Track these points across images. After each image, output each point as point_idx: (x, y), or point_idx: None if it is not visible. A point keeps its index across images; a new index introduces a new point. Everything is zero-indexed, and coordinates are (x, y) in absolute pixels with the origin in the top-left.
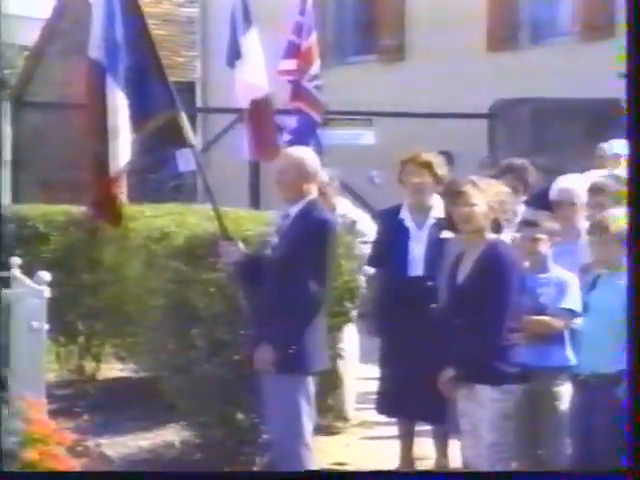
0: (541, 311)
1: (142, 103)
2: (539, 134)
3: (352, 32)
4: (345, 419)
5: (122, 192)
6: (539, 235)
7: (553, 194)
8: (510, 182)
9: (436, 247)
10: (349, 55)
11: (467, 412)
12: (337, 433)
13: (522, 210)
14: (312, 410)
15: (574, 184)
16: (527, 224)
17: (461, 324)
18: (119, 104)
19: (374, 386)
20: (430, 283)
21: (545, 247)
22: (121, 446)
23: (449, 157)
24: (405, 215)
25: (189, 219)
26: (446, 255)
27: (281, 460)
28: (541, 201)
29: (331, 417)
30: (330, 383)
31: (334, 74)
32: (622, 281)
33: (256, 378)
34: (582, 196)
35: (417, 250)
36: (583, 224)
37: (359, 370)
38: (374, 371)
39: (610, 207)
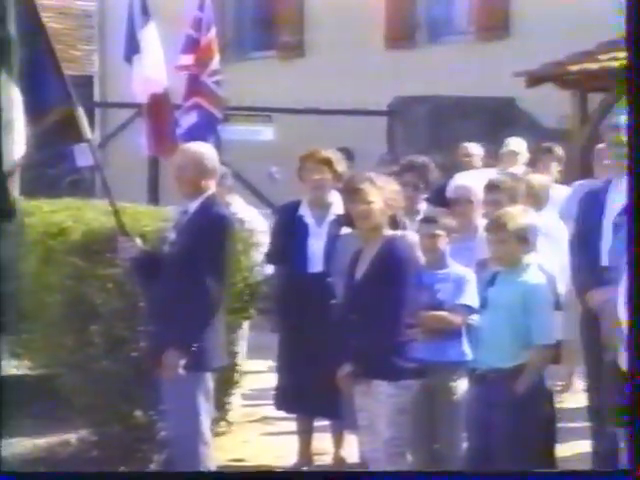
0: (439, 307)
1: (38, 97)
2: (437, 132)
3: (252, 28)
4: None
5: (16, 187)
6: (437, 232)
7: (450, 191)
8: (411, 179)
9: (335, 243)
10: (249, 51)
11: (364, 407)
12: (229, 431)
13: (424, 207)
14: (210, 407)
15: (470, 181)
16: (426, 221)
17: (359, 320)
18: (14, 98)
19: (273, 382)
20: (329, 279)
21: (443, 243)
22: (16, 444)
23: (349, 154)
24: (304, 211)
25: (87, 214)
26: (345, 251)
27: (179, 458)
28: (439, 198)
29: (225, 414)
30: (229, 380)
31: (234, 70)
32: (520, 278)
33: (155, 375)
34: (478, 193)
35: (316, 246)
36: (480, 221)
37: (249, 366)
38: (268, 367)
39: (506, 204)
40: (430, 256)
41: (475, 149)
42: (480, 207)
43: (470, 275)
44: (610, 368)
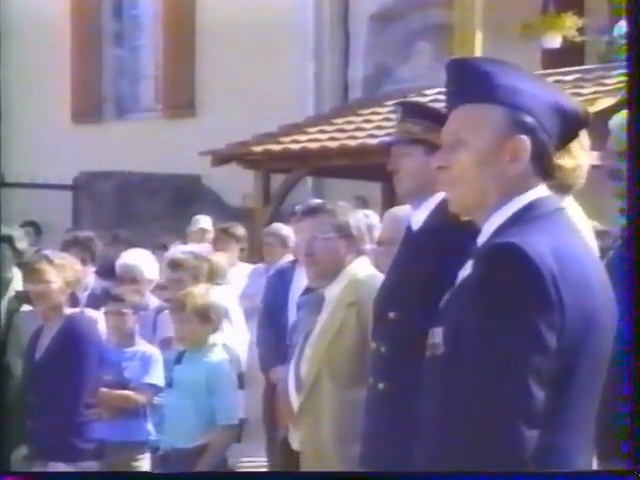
0: (125, 385)
1: None
2: (123, 207)
3: None
4: None
5: None
6: (125, 310)
7: (117, 268)
8: (77, 254)
9: (15, 321)
10: None
11: None
12: None
13: (92, 281)
14: None
15: (136, 259)
16: (113, 299)
17: (37, 400)
18: None
19: None
20: (7, 358)
21: (131, 321)
22: None
23: (36, 228)
24: None
25: None
26: (25, 329)
27: None
28: (108, 272)
29: None
30: None
31: None
32: (205, 358)
33: None
34: (145, 271)
35: None
36: (151, 297)
37: None
38: None
39: (189, 283)
40: (118, 334)
41: (206, 223)
42: (148, 284)
43: (157, 354)
44: (281, 446)
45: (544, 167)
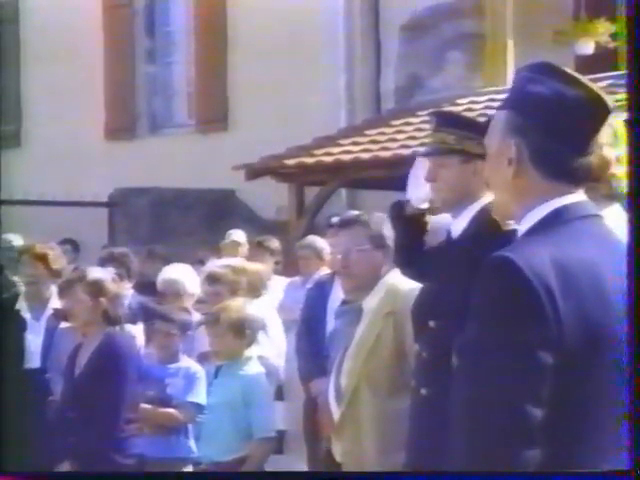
0: (167, 402)
1: None
2: (158, 223)
3: None
4: None
5: None
6: (172, 331)
7: (159, 283)
8: (114, 270)
9: (54, 338)
10: None
11: None
12: None
13: (130, 296)
14: None
15: (178, 275)
16: (162, 318)
17: (78, 416)
18: None
19: None
20: (48, 375)
21: (178, 340)
22: None
23: (74, 245)
24: (21, 306)
25: None
26: (64, 346)
27: None
28: (146, 287)
29: None
30: None
31: None
32: (241, 371)
33: None
34: (187, 286)
35: (34, 342)
36: (194, 313)
37: None
38: None
39: (227, 296)
40: (163, 352)
41: (239, 236)
42: (190, 299)
43: (201, 372)
44: (325, 458)
45: (560, 170)
